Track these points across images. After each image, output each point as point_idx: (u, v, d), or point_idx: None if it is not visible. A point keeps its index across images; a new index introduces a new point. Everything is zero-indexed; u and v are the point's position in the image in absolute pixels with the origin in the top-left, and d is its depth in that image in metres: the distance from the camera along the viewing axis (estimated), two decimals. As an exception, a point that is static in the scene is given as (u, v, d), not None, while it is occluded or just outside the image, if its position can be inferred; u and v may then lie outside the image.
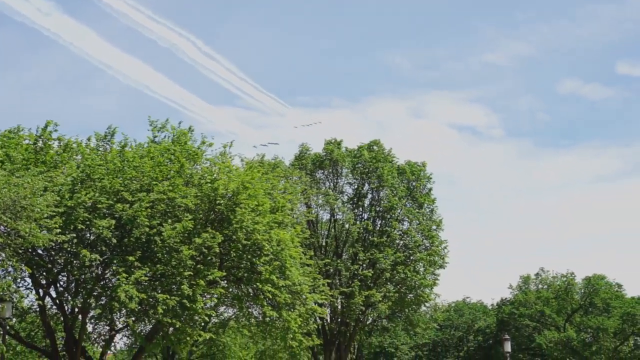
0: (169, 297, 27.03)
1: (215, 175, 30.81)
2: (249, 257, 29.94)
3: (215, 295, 30.23)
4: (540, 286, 71.06)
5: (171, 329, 29.51)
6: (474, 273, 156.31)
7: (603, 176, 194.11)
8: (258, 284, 29.87)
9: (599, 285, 64.73)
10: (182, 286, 27.30)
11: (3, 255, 25.38)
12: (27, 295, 29.78)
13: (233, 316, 36.43)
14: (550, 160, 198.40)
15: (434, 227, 48.27)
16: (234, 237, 29.30)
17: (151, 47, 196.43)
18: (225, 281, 31.50)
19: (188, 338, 29.71)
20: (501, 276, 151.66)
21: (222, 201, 29.54)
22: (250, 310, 33.54)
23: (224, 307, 34.96)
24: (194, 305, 27.76)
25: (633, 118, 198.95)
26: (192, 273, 27.98)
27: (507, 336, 45.96)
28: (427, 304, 51.20)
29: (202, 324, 30.69)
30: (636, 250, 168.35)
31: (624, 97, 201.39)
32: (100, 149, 32.48)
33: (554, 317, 64.51)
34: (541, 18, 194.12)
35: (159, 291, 27.73)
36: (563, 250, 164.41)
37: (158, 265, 27.87)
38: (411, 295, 47.28)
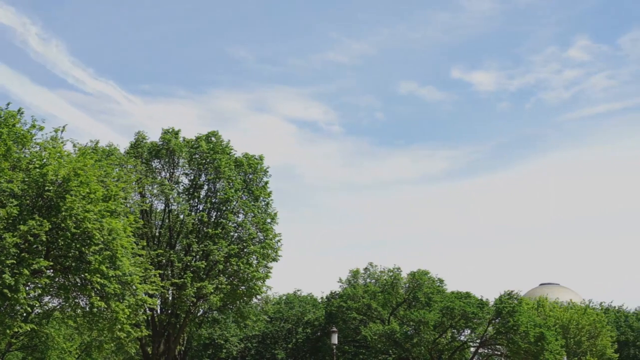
0: (-12, 286, 25.80)
1: (44, 160, 29.67)
2: (78, 246, 29.09)
3: (40, 285, 29.12)
4: (368, 280, 73.28)
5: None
6: (306, 266, 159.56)
7: (432, 176, 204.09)
8: (86, 273, 29.10)
9: (422, 280, 67.48)
10: (4, 275, 26.12)
11: None
12: None
13: (58, 306, 35.20)
14: (384, 159, 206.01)
15: (269, 220, 48.74)
16: (63, 225, 28.36)
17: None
18: (52, 270, 30.43)
19: (7, 330, 28.45)
20: (332, 270, 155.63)
21: (51, 187, 28.50)
22: (77, 300, 32.58)
23: (49, 297, 33.70)
24: (15, 295, 26.64)
25: (462, 122, 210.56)
26: (15, 261, 26.83)
27: (334, 328, 47.48)
28: (258, 297, 51.59)
29: (24, 314, 29.50)
30: (457, 247, 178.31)
31: (455, 101, 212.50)
32: None
33: (380, 310, 66.79)
34: (381, 20, 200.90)
35: (-22, 280, 26.37)
36: (392, 246, 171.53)
37: (-22, 253, 26.51)
38: (243, 287, 47.52)
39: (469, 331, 64.04)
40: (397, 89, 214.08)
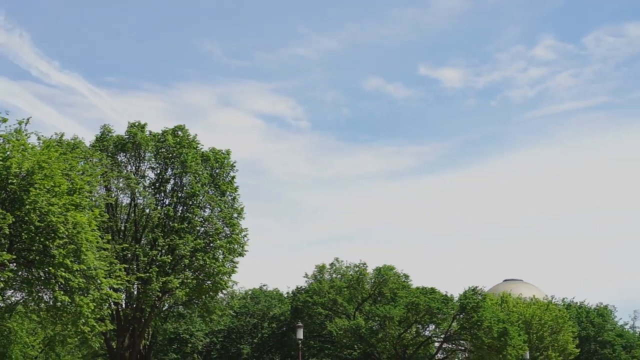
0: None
1: (8, 152, 29.35)
2: (42, 239, 28.86)
3: (3, 279, 28.84)
4: (334, 275, 73.51)
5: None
6: (272, 261, 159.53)
7: (398, 172, 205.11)
8: (50, 267, 28.87)
9: (388, 276, 67.86)
10: (-34, 268, 25.85)
11: None
12: None
13: (21, 300, 34.84)
14: (350, 155, 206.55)
15: (235, 215, 48.72)
16: (27, 218, 28.11)
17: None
18: (15, 264, 30.14)
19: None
20: (298, 265, 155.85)
21: (15, 180, 28.24)
22: (40, 294, 32.30)
23: (12, 291, 33.36)
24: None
25: (429, 118, 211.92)
26: (-23, 255, 26.55)
27: (300, 323, 47.65)
28: (224, 291, 51.55)
29: (-14, 308, 29.21)
30: (422, 243, 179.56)
31: (422, 98, 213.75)
32: None
33: (346, 306, 67.08)
34: (349, 16, 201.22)
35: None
36: (358, 242, 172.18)
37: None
38: (209, 282, 47.43)
39: (433, 326, 64.58)
40: (364, 85, 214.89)
